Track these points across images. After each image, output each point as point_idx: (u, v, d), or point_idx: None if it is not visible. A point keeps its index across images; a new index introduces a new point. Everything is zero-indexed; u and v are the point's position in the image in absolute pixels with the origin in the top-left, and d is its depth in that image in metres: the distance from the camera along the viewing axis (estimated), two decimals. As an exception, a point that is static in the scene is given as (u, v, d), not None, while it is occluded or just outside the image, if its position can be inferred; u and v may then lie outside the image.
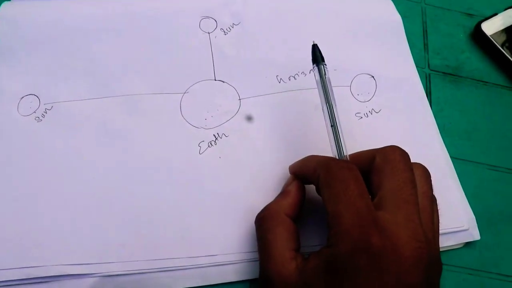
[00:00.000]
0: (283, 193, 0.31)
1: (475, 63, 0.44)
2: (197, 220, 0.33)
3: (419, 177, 0.29)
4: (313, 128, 0.38)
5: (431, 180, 0.31)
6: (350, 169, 0.27)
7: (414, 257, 0.24)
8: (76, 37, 0.39)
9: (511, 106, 0.42)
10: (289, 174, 0.34)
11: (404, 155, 0.29)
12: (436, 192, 0.36)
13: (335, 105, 0.32)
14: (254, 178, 0.35)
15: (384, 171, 0.28)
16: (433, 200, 0.31)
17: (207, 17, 0.41)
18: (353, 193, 0.26)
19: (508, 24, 0.45)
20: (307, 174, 0.31)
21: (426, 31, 0.45)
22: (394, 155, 0.29)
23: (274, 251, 0.28)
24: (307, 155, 0.32)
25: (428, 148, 0.38)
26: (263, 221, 0.30)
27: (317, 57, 0.33)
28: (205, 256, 0.32)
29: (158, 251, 0.32)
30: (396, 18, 0.44)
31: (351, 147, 0.37)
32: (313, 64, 0.33)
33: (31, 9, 0.40)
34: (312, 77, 0.40)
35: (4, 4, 0.41)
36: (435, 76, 0.43)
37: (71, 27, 0.40)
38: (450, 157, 0.38)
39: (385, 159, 0.29)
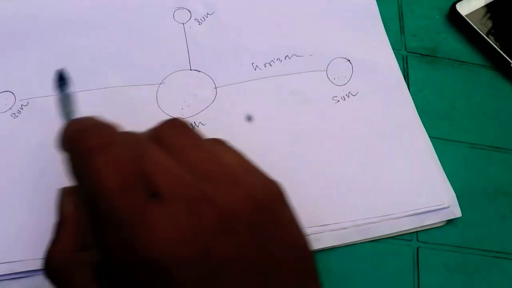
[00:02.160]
0: (61, 224, 0.24)
1: (451, 43, 0.44)
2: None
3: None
4: (289, 113, 0.38)
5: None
6: (106, 150, 0.19)
7: (203, 226, 0.18)
8: (50, 32, 0.39)
9: (488, 85, 0.42)
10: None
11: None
12: (415, 172, 0.37)
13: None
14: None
15: None
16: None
17: (181, 7, 0.41)
18: (114, 189, 0.19)
19: (482, 4, 0.45)
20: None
21: (402, 13, 0.45)
22: None
23: None
24: None
25: (406, 129, 0.38)
26: (55, 276, 0.23)
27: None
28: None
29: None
30: (370, 1, 0.44)
31: (329, 131, 0.37)
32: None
33: (3, 5, 0.40)
34: (288, 63, 0.40)
35: (-24, 1, 0.40)
36: (412, 58, 0.43)
37: (44, 21, 0.40)
38: (430, 137, 0.38)
39: None
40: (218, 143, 0.24)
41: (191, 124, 0.36)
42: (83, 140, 0.19)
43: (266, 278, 0.19)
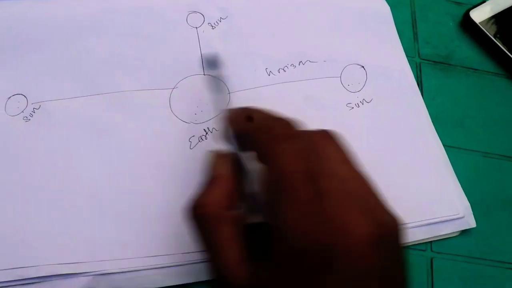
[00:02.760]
0: (214, 180, 0.26)
1: (465, 51, 0.44)
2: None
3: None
4: (303, 119, 0.37)
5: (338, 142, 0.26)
6: (294, 141, 0.24)
7: (362, 238, 0.21)
8: (63, 35, 0.39)
9: (502, 93, 0.42)
10: None
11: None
12: (430, 181, 0.36)
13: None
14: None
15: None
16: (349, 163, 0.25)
17: (194, 11, 0.41)
18: (298, 179, 0.22)
19: (496, 11, 0.45)
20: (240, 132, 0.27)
21: (415, 20, 0.45)
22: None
23: (222, 259, 0.24)
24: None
25: (420, 137, 0.38)
26: (201, 222, 0.24)
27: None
28: (199, 251, 0.31)
29: (151, 247, 0.32)
30: (384, 7, 0.44)
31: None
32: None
33: (17, 9, 0.40)
34: (302, 69, 0.40)
35: (-11, 4, 0.40)
36: (426, 65, 0.42)
37: (57, 25, 0.39)
38: (443, 145, 0.38)
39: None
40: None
41: (198, 138, 0.36)
42: (275, 127, 0.25)
43: None
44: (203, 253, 0.25)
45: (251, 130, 0.26)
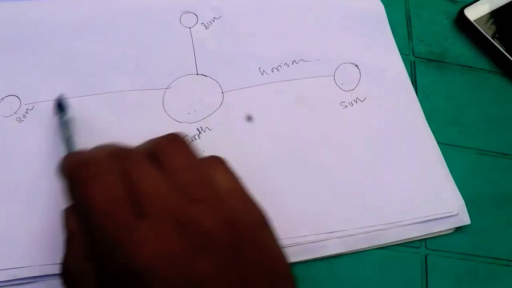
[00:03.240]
0: (69, 238, 0.25)
1: (459, 48, 0.44)
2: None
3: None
4: (296, 118, 0.37)
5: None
6: (96, 178, 0.22)
7: (185, 244, 0.20)
8: (56, 36, 0.39)
9: (497, 90, 0.42)
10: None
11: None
12: (424, 179, 0.36)
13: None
14: (239, 171, 0.34)
15: None
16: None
17: (188, 12, 0.41)
18: (101, 211, 0.21)
19: (491, 9, 0.45)
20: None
21: (410, 18, 0.45)
22: None
23: None
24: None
25: (414, 134, 0.38)
26: (71, 283, 0.24)
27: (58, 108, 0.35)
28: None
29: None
30: (378, 6, 0.44)
31: (337, 137, 0.37)
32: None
33: (8, 10, 0.40)
34: (295, 68, 0.40)
35: (-17, 6, 0.40)
36: (420, 63, 0.42)
37: (50, 26, 0.39)
38: (438, 143, 0.38)
39: None
40: (216, 164, 0.26)
41: (192, 137, 0.36)
42: (77, 171, 0.23)
43: None
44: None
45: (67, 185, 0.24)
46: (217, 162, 0.26)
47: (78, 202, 0.23)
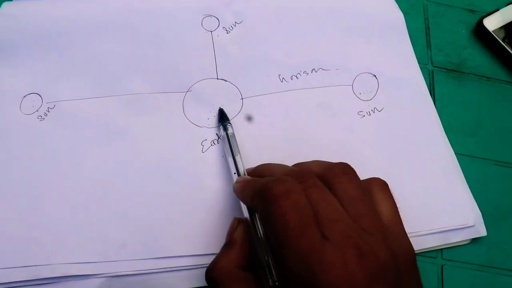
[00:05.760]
0: (229, 244, 0.28)
1: (477, 59, 0.44)
2: (200, 219, 0.33)
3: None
4: (314, 126, 0.38)
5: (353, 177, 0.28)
6: (287, 197, 0.24)
7: (365, 273, 0.22)
8: (78, 36, 0.39)
9: (515, 102, 0.42)
10: None
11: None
12: (441, 189, 0.36)
13: (240, 156, 0.33)
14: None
15: None
16: (364, 198, 0.26)
17: (209, 15, 0.41)
18: (295, 229, 0.23)
19: (510, 20, 0.45)
20: (247, 205, 0.29)
21: (428, 28, 0.45)
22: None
23: None
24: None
25: (432, 145, 0.38)
26: (216, 282, 0.26)
27: (222, 117, 0.36)
28: (208, 254, 0.32)
29: (161, 250, 0.32)
30: (398, 15, 0.44)
31: (354, 146, 0.37)
32: (218, 123, 0.36)
33: (32, 9, 0.40)
34: (315, 77, 0.40)
35: (5, 3, 0.41)
36: (438, 73, 0.42)
37: (73, 25, 0.40)
38: (455, 153, 0.38)
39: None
40: (379, 188, 0.28)
41: (211, 142, 0.36)
42: (267, 189, 0.24)
43: None
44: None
45: (251, 201, 0.27)
46: (379, 185, 0.28)
47: (268, 217, 0.24)
